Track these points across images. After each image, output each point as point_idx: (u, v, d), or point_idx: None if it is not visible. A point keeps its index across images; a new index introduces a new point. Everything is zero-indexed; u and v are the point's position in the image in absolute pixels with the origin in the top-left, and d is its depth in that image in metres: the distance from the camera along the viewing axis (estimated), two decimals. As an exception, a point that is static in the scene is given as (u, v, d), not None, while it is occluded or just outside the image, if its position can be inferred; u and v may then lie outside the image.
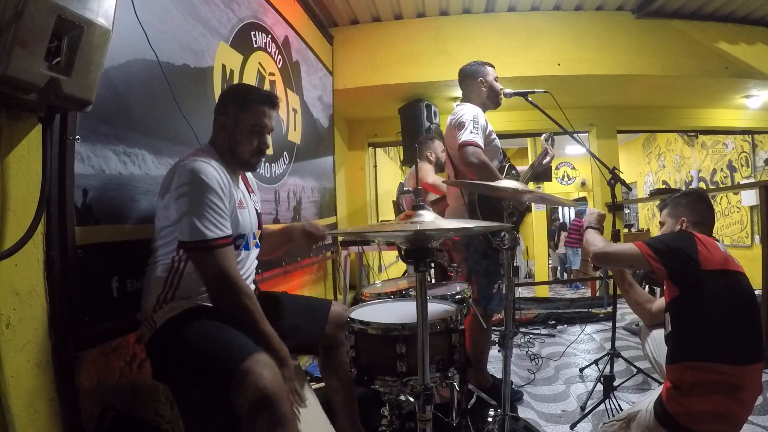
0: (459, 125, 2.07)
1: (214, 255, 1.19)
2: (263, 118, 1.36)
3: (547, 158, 2.35)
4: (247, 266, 1.42)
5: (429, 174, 2.87)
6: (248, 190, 1.51)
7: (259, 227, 1.51)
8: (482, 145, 2.03)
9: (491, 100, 2.23)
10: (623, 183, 2.28)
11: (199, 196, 1.19)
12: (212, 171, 1.24)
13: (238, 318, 1.20)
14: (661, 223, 1.68)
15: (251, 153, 1.37)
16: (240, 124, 1.35)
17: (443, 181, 2.71)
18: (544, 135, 2.39)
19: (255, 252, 1.48)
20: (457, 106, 2.22)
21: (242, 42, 2.16)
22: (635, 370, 2.43)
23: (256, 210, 1.51)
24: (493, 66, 2.27)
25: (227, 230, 1.23)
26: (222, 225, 1.22)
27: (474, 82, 2.22)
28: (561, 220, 9.99)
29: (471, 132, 2.02)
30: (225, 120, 1.36)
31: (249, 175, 1.59)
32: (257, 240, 1.49)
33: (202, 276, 1.23)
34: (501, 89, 2.24)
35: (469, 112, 2.09)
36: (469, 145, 2.00)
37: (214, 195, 1.21)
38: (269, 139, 1.42)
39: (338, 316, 1.49)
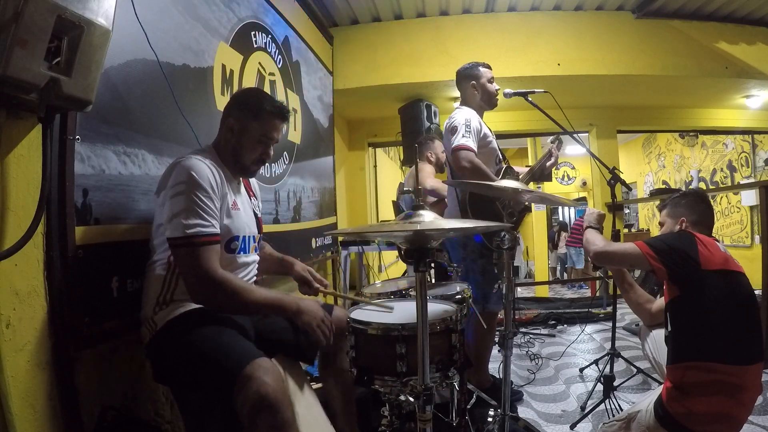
0: (452, 129, 2.12)
1: (196, 252, 1.17)
2: (272, 131, 1.37)
3: (551, 160, 2.34)
4: (247, 270, 1.41)
5: (428, 178, 2.87)
6: (249, 194, 1.51)
7: (259, 231, 1.50)
8: (475, 149, 2.07)
9: (486, 101, 2.25)
10: (623, 183, 2.28)
11: (187, 193, 1.19)
12: (204, 169, 1.23)
13: (228, 313, 1.20)
14: (661, 224, 1.68)
15: (252, 161, 1.38)
16: (248, 131, 1.35)
17: (444, 182, 2.71)
18: (551, 137, 2.38)
19: (255, 257, 1.47)
20: (455, 108, 2.24)
21: (242, 42, 2.16)
22: (635, 370, 2.43)
23: (256, 215, 1.50)
24: (488, 67, 2.27)
25: (213, 229, 1.22)
26: (208, 222, 1.21)
27: (467, 85, 2.25)
28: (561, 219, 9.98)
29: (463, 136, 2.06)
30: (233, 123, 1.35)
31: (252, 179, 1.59)
32: (257, 245, 1.49)
33: (182, 273, 1.21)
34: (496, 90, 2.25)
35: (461, 116, 2.13)
36: (461, 149, 2.04)
37: (202, 192, 1.21)
38: (272, 149, 1.42)
39: (339, 321, 1.48)
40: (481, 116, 2.27)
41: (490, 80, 2.25)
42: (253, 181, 1.59)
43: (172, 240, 1.19)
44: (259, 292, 1.25)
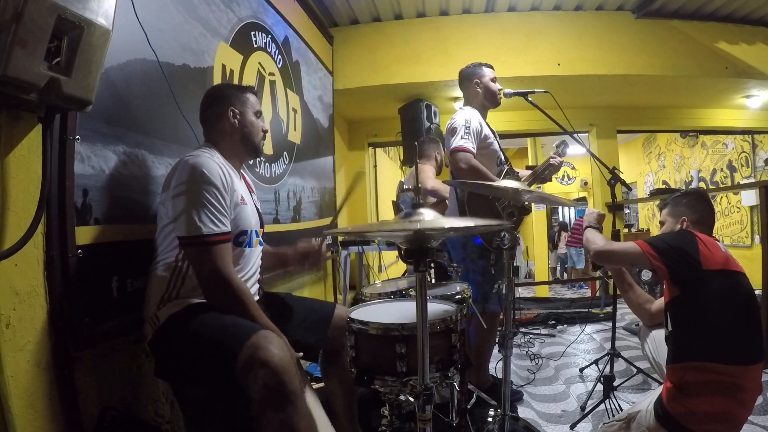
0: (452, 131, 2.13)
1: (209, 252, 1.18)
2: (257, 104, 1.48)
3: (549, 169, 2.31)
4: (251, 264, 1.42)
5: (428, 179, 2.87)
6: (249, 189, 1.52)
7: (261, 225, 1.51)
8: (473, 150, 2.07)
9: (489, 100, 2.25)
10: (623, 183, 2.28)
11: (198, 191, 1.19)
12: (215, 166, 1.24)
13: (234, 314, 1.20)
14: (661, 223, 1.68)
15: (261, 137, 1.48)
16: (246, 113, 1.43)
17: (444, 182, 2.71)
18: (556, 142, 2.37)
19: (259, 250, 1.48)
20: (458, 109, 2.24)
21: (242, 42, 2.16)
22: (635, 370, 2.43)
23: (257, 208, 1.51)
24: (491, 67, 2.28)
25: (225, 227, 1.23)
26: (220, 221, 1.21)
27: (470, 85, 2.26)
28: (561, 219, 9.98)
29: (462, 138, 2.07)
30: (236, 113, 1.40)
31: (247, 174, 1.60)
32: (260, 238, 1.49)
33: (195, 272, 1.22)
34: (499, 89, 2.25)
35: (461, 117, 2.14)
36: (459, 151, 2.05)
37: (215, 190, 1.21)
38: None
39: (341, 320, 1.48)
40: (485, 116, 2.26)
41: (493, 79, 2.25)
42: (248, 176, 1.61)
43: (183, 239, 1.19)
44: (264, 318, 1.23)
